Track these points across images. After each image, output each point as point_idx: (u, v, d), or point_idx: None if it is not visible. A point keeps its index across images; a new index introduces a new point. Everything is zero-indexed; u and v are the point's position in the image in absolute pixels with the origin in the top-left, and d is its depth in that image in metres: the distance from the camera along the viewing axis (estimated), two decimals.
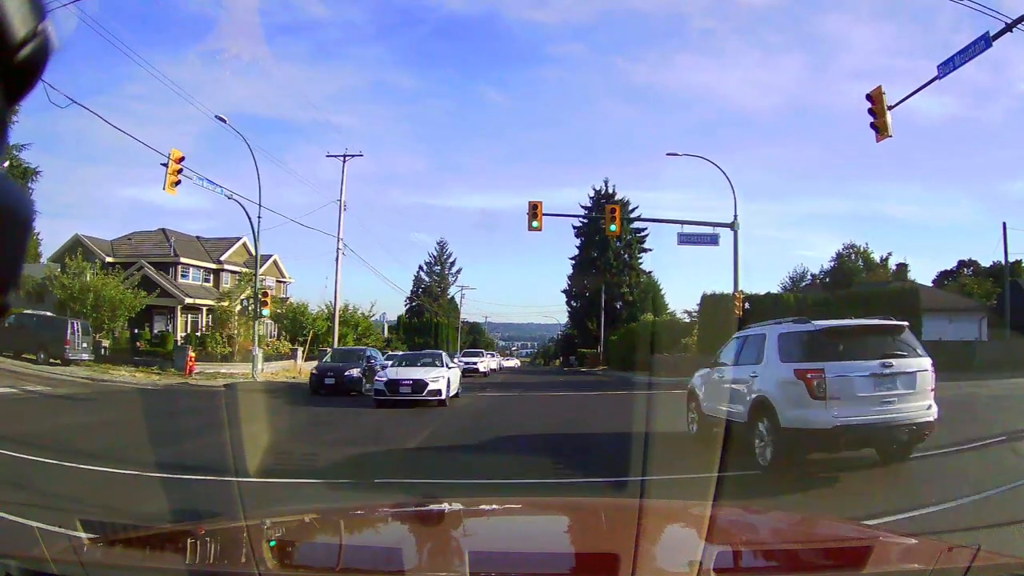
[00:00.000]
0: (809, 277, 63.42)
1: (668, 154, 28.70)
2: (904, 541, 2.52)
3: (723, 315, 29.13)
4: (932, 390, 8.05)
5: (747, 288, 31.80)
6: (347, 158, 33.93)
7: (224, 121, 24.99)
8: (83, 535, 2.48)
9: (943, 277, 56.34)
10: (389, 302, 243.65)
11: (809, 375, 7.78)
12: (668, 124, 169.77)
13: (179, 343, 35.81)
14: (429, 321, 74.42)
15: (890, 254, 59.70)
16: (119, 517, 5.82)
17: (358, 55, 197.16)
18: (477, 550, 2.22)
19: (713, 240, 27.52)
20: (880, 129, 17.83)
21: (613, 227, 26.17)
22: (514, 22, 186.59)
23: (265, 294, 25.67)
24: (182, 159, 21.36)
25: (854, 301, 30.95)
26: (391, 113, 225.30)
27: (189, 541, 2.35)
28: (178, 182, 21.20)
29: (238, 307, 32.81)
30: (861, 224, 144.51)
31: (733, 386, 9.56)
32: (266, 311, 25.64)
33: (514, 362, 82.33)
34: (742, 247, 27.49)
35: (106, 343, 33.18)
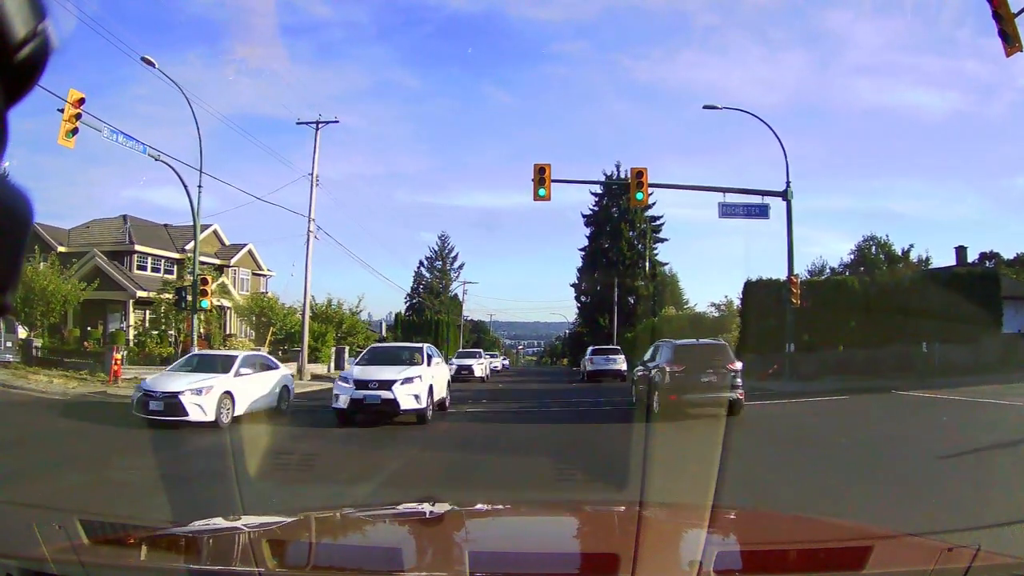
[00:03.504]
0: (828, 270, 60.79)
1: (705, 107, 23.86)
2: (904, 541, 2.44)
3: (773, 304, 24.13)
4: (623, 360, 31.44)
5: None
6: (320, 125, 28.88)
7: (153, 65, 20.05)
8: (83, 535, 2.10)
9: None
10: (392, 301, 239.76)
11: (588, 359, 33.05)
12: (672, 121, 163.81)
13: (129, 342, 30.93)
14: (429, 319, 69.43)
15: (912, 246, 57.56)
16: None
17: (361, 55, 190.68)
18: (477, 550, 2.20)
19: (762, 212, 22.40)
20: (1009, 37, 13.61)
21: (640, 195, 21.13)
22: (517, 21, 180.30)
23: (204, 281, 20.48)
24: (82, 101, 16.36)
25: (928, 284, 26.27)
26: (394, 113, 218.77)
27: (189, 541, 2.28)
28: (74, 130, 16.18)
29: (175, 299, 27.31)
30: (865, 220, 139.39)
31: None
32: (205, 302, 20.47)
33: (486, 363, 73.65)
34: (758, 241, 24.27)
35: (39, 342, 28.24)
